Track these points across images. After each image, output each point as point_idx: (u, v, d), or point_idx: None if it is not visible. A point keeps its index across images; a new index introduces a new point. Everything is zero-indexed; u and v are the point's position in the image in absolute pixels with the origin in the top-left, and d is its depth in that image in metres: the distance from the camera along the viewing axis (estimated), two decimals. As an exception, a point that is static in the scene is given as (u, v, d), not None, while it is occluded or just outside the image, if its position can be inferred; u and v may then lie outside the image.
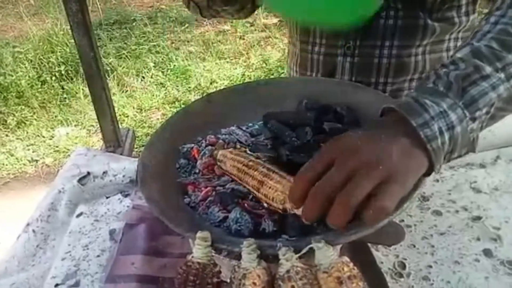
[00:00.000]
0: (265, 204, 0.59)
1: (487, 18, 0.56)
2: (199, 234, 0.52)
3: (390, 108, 0.51)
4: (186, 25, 3.98)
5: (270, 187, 0.56)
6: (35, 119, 3.06)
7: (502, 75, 0.50)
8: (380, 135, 0.49)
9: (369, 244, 0.67)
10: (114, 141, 1.26)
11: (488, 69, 0.50)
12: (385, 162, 0.46)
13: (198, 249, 0.52)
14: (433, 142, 0.48)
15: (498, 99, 0.50)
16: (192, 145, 0.74)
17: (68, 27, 3.43)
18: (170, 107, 3.07)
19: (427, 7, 0.79)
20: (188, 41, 3.81)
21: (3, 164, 2.74)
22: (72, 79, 3.33)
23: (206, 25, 3.94)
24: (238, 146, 0.74)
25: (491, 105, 0.50)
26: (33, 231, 0.78)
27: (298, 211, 0.52)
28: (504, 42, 0.52)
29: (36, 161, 2.78)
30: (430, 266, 0.65)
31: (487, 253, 0.66)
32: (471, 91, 0.49)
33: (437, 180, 0.80)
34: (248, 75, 3.28)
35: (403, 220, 0.72)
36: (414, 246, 0.68)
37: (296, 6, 0.56)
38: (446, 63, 0.53)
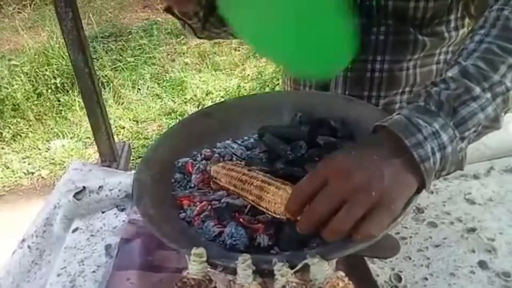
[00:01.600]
0: (268, 215, 0.59)
1: (471, 36, 0.57)
2: (194, 250, 0.52)
3: (382, 126, 0.52)
4: (182, 37, 4.00)
5: (269, 201, 0.57)
6: (31, 132, 3.06)
7: (489, 95, 0.51)
8: (373, 156, 0.50)
9: (365, 258, 0.67)
10: (109, 155, 1.26)
11: (477, 90, 0.51)
12: (376, 188, 0.47)
13: (194, 265, 0.52)
14: (426, 162, 0.49)
15: (486, 119, 0.51)
16: (187, 159, 0.74)
17: (63, 41, 3.46)
18: (166, 119, 3.08)
19: (417, 22, 0.80)
20: (183, 53, 3.83)
21: (-1, 177, 2.74)
22: (67, 91, 3.33)
23: (202, 36, 3.97)
24: (234, 159, 0.74)
25: (479, 124, 0.51)
26: (28, 247, 0.78)
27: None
28: (490, 61, 0.53)
29: (32, 173, 2.78)
30: (426, 279, 0.65)
31: (482, 265, 0.66)
32: (461, 112, 0.50)
33: (432, 192, 0.80)
34: (243, 86, 3.29)
35: (398, 233, 0.73)
36: (410, 258, 0.68)
37: (274, 53, 0.58)
38: (437, 82, 0.54)
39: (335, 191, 0.49)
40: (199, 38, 0.91)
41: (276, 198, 0.56)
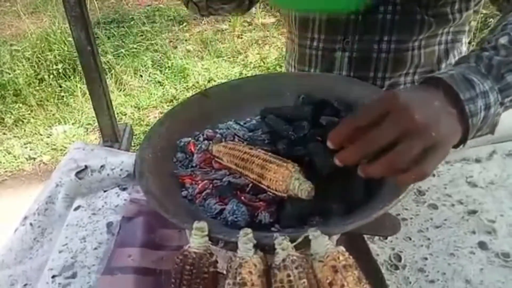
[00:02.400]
0: (269, 193, 0.59)
1: None
2: (196, 224, 0.53)
3: (437, 77, 0.53)
4: (184, 24, 3.98)
5: (270, 179, 0.57)
6: (33, 117, 3.06)
7: None
8: (434, 101, 0.50)
9: (365, 237, 0.68)
10: (112, 136, 1.26)
11: None
12: (435, 129, 0.48)
13: (195, 239, 0.52)
14: (474, 117, 0.51)
15: None
16: (189, 139, 0.74)
17: (66, 25, 3.44)
18: (168, 106, 3.07)
19: (423, 2, 0.80)
20: (186, 40, 3.81)
21: (1, 162, 2.74)
22: (69, 77, 3.32)
23: (204, 24, 3.94)
24: (236, 140, 0.74)
25: None
26: (31, 224, 0.78)
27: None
28: None
29: (34, 159, 2.78)
30: (426, 258, 0.65)
31: (482, 245, 0.66)
32: (507, 78, 0.53)
33: (433, 175, 0.80)
34: (246, 74, 3.27)
35: (399, 214, 0.73)
36: (410, 239, 0.68)
37: None
38: (487, 47, 0.56)
39: (395, 126, 0.48)
40: (201, 15, 0.91)
41: (277, 176, 0.56)
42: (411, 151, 0.47)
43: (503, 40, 0.56)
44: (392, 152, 0.47)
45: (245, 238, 0.50)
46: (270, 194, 0.62)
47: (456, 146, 0.52)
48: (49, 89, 3.25)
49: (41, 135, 2.94)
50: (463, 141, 0.52)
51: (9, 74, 3.27)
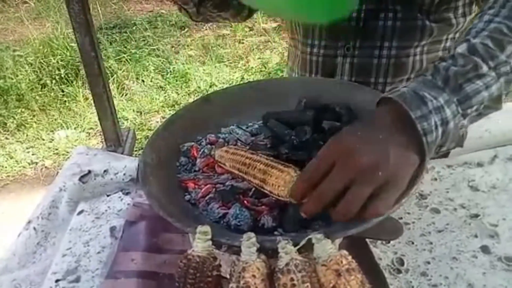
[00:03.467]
0: (272, 198, 0.60)
1: (480, 16, 0.58)
2: (199, 228, 0.53)
3: (387, 98, 0.52)
4: (186, 29, 3.99)
5: (272, 184, 0.57)
6: (35, 122, 3.07)
7: (494, 74, 0.52)
8: (378, 135, 0.50)
9: (367, 241, 0.68)
10: (115, 141, 1.26)
11: (484, 68, 0.52)
12: (383, 168, 0.48)
13: (198, 243, 0.52)
14: (429, 135, 0.49)
15: (489, 98, 0.52)
16: (192, 143, 0.75)
17: (68, 31, 3.45)
18: (169, 110, 3.08)
19: (425, 8, 0.80)
20: (187, 45, 3.82)
21: (3, 166, 2.74)
22: (72, 82, 3.33)
23: (206, 29, 3.96)
24: (238, 144, 0.75)
25: (481, 103, 0.52)
26: (34, 228, 0.79)
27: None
28: (498, 41, 0.53)
29: (36, 163, 2.78)
30: (428, 262, 0.65)
31: (485, 249, 0.66)
32: (466, 89, 0.51)
33: (435, 179, 0.81)
34: (247, 79, 3.28)
35: (401, 218, 0.73)
36: (413, 243, 0.69)
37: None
38: (445, 57, 0.54)
39: (342, 174, 0.49)
40: (194, 21, 0.92)
41: (279, 181, 0.57)
42: (360, 196, 0.48)
43: (460, 49, 0.54)
44: (343, 201, 0.49)
45: (249, 242, 0.50)
46: (273, 198, 0.62)
47: (419, 167, 0.51)
48: (52, 94, 3.26)
49: (43, 139, 2.94)
50: (423, 161, 0.51)
51: (12, 79, 3.29)
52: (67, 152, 2.80)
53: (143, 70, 3.45)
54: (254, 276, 0.49)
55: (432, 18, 0.82)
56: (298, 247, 0.49)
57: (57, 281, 0.68)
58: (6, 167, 2.75)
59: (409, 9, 0.81)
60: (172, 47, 3.80)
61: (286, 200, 0.57)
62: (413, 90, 0.51)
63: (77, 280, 0.68)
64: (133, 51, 3.64)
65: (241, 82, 3.12)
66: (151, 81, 3.37)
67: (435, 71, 0.53)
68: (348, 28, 0.85)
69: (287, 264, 0.48)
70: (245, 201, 0.63)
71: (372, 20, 0.82)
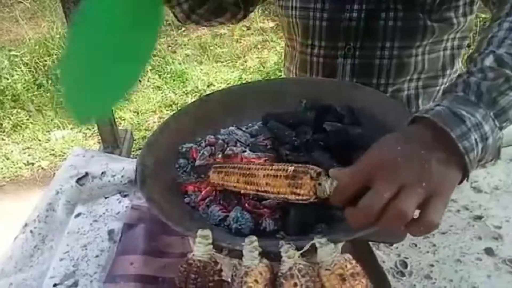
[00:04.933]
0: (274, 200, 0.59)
1: (499, 24, 0.57)
2: (200, 232, 0.52)
3: (423, 117, 0.51)
4: (183, 28, 3.98)
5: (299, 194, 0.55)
6: (31, 123, 3.05)
7: None
8: (419, 150, 0.48)
9: (370, 244, 0.67)
10: (112, 142, 1.25)
11: None
12: (426, 180, 0.47)
13: (199, 247, 0.51)
14: (471, 153, 0.48)
15: None
16: (191, 145, 0.74)
17: (64, 31, 3.43)
18: (167, 110, 3.06)
19: (426, 8, 0.80)
20: (185, 45, 3.80)
21: (-1, 167, 2.73)
22: (68, 82, 3.31)
23: (203, 28, 3.94)
24: (238, 145, 0.74)
25: None
26: (31, 231, 0.77)
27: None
28: None
29: (32, 164, 2.76)
30: (432, 265, 0.64)
31: (489, 252, 0.66)
32: (501, 102, 0.51)
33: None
34: (245, 78, 3.27)
35: (403, 220, 0.72)
36: (416, 246, 0.68)
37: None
38: (473, 71, 0.53)
39: (387, 186, 0.47)
40: (183, 24, 0.91)
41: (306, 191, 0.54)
42: (408, 206, 0.46)
43: (488, 62, 0.53)
44: (391, 211, 0.46)
45: (251, 246, 0.49)
46: (275, 200, 0.61)
47: (460, 182, 0.50)
48: (48, 95, 3.24)
49: (39, 140, 2.92)
50: (465, 176, 0.50)
51: (8, 79, 3.26)
52: (64, 153, 2.79)
53: (140, 70, 3.43)
54: (256, 281, 0.48)
55: (433, 18, 0.81)
56: (302, 251, 0.48)
57: (54, 285, 0.67)
58: (2, 168, 2.73)
59: (410, 8, 0.80)
60: (169, 46, 3.78)
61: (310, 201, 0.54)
62: (448, 108, 0.50)
63: (75, 284, 0.67)
64: (129, 50, 3.62)
65: (240, 82, 3.11)
66: (148, 81, 3.36)
67: (465, 86, 0.52)
68: (348, 28, 0.84)
69: (290, 269, 0.47)
70: (246, 204, 0.62)
71: (373, 20, 0.82)
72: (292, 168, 0.55)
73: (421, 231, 0.47)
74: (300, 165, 0.55)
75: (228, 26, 3.81)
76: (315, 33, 0.89)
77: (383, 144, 0.51)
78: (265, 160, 0.68)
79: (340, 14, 0.84)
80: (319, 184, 0.52)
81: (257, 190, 0.57)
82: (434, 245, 0.68)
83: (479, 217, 0.72)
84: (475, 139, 0.48)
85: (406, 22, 0.81)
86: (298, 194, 0.53)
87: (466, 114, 0.49)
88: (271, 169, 0.56)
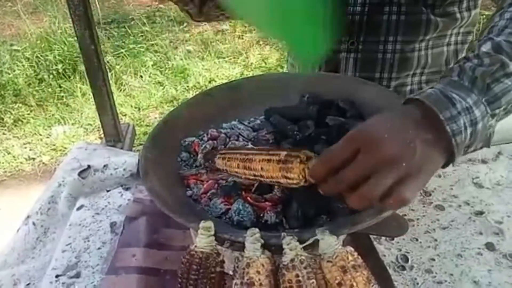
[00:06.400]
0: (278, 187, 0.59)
1: (501, 14, 0.57)
2: (202, 224, 0.52)
3: (415, 98, 0.51)
4: (185, 24, 3.97)
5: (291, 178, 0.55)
6: (32, 117, 3.05)
7: None
8: (407, 129, 0.49)
9: (372, 237, 0.67)
10: (114, 136, 1.25)
11: (511, 67, 0.51)
12: (408, 160, 0.47)
13: (201, 238, 0.52)
14: (458, 136, 0.48)
15: None
16: (193, 138, 0.74)
17: (66, 25, 3.43)
18: (168, 106, 3.06)
19: (429, 2, 0.80)
20: (186, 41, 3.80)
21: (0, 162, 2.73)
22: (69, 77, 3.31)
23: (205, 24, 3.93)
24: (240, 139, 0.74)
25: (510, 102, 0.51)
26: (33, 223, 0.78)
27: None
28: None
29: (33, 159, 2.77)
30: (433, 259, 0.64)
31: (490, 246, 0.66)
32: (494, 89, 0.50)
33: (439, 176, 0.80)
34: (247, 75, 3.27)
35: (405, 215, 0.72)
36: (417, 240, 0.68)
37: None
38: (469, 56, 0.53)
39: (367, 160, 0.48)
40: (195, 21, 0.91)
41: (276, 175, 0.55)
42: (383, 182, 0.47)
43: (485, 48, 0.53)
44: (366, 184, 0.47)
45: (253, 238, 0.50)
46: (277, 193, 0.61)
47: (444, 166, 0.51)
48: (49, 89, 3.24)
49: (40, 135, 2.93)
50: (451, 160, 0.50)
51: (9, 74, 3.27)
52: (65, 148, 2.79)
53: (142, 66, 3.43)
54: (258, 272, 0.48)
55: (436, 12, 0.81)
56: (305, 244, 0.49)
57: (57, 276, 0.67)
58: (3, 163, 2.73)
59: (413, 3, 0.80)
60: (171, 42, 3.78)
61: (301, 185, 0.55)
62: (440, 91, 0.50)
63: (77, 275, 0.67)
64: (131, 46, 3.62)
65: (242, 77, 3.11)
66: (149, 76, 3.36)
67: (460, 71, 0.52)
68: (351, 23, 0.84)
69: (292, 260, 0.48)
70: (248, 197, 0.62)
71: (377, 14, 0.81)
72: (285, 153, 0.55)
73: (391, 205, 0.48)
74: (294, 150, 0.56)
75: (231, 22, 3.81)
76: None
77: (375, 120, 0.52)
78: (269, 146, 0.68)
79: (344, 8, 0.84)
80: (308, 168, 0.52)
81: (254, 175, 0.57)
82: (435, 239, 0.68)
83: (480, 212, 0.72)
84: (464, 123, 0.49)
85: (409, 16, 0.81)
86: (289, 178, 0.53)
87: (458, 98, 0.49)
88: (267, 154, 0.56)
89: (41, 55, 3.39)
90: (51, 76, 3.30)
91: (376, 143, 0.48)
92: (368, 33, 0.84)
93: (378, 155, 0.47)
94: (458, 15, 0.83)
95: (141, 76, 3.37)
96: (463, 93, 0.50)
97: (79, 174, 0.83)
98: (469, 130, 0.49)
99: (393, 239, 0.67)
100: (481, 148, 0.53)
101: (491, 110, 0.50)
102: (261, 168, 0.56)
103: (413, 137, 0.48)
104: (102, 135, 1.34)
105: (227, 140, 0.74)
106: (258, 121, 0.78)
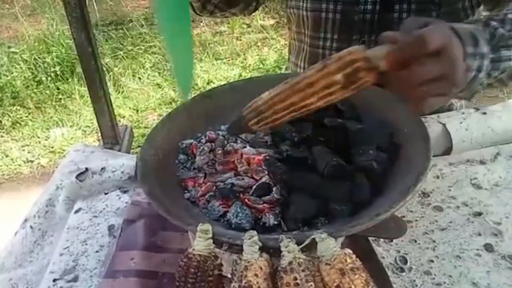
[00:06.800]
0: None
1: None
2: (200, 226, 0.52)
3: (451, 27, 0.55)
4: (183, 26, 3.97)
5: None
6: (30, 120, 3.04)
7: None
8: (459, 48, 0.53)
9: (370, 239, 0.67)
10: (112, 138, 1.25)
11: None
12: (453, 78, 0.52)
13: (199, 241, 0.51)
14: (469, 73, 0.55)
15: (510, 70, 0.58)
16: (191, 141, 0.74)
17: (64, 27, 3.43)
18: (166, 108, 3.06)
19: (436, 0, 0.80)
20: (184, 42, 3.80)
21: (-2, 164, 2.73)
22: (67, 79, 3.31)
23: (203, 26, 3.94)
24: (238, 142, 0.74)
25: (503, 71, 0.58)
26: (31, 227, 0.77)
27: None
28: None
29: (31, 161, 2.76)
30: (432, 261, 0.64)
31: (488, 248, 0.66)
32: (502, 52, 0.57)
33: (438, 177, 0.80)
34: (245, 76, 3.28)
35: (404, 216, 0.72)
36: (415, 241, 0.68)
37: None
38: (496, 18, 0.60)
39: (440, 66, 0.51)
40: (198, 15, 0.91)
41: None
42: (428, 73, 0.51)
43: (511, 15, 0.59)
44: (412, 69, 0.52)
45: (251, 241, 0.49)
46: (275, 196, 0.61)
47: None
48: (47, 92, 3.24)
49: (38, 137, 2.92)
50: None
51: (7, 76, 3.26)
52: (63, 150, 2.79)
53: (140, 67, 3.43)
54: (256, 275, 0.48)
55: (444, 10, 0.82)
56: (302, 246, 0.48)
57: (54, 280, 0.67)
58: (1, 165, 2.73)
59: (423, 0, 0.81)
60: (169, 44, 3.78)
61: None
62: (469, 30, 0.55)
63: (75, 279, 0.67)
64: (129, 48, 3.62)
65: (240, 79, 3.10)
66: (147, 78, 3.36)
67: (485, 25, 0.58)
68: (362, 21, 0.84)
69: (290, 263, 0.47)
70: (246, 199, 0.62)
71: (387, 13, 0.82)
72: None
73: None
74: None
75: (228, 23, 3.81)
76: (328, 26, 0.88)
77: (440, 26, 0.55)
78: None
79: (354, 6, 0.84)
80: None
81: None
82: (434, 241, 0.68)
83: (479, 214, 0.72)
84: (476, 65, 0.55)
85: (418, 14, 0.82)
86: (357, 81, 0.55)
87: (481, 41, 0.55)
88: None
89: (39, 57, 3.39)
90: (49, 78, 3.30)
91: (450, 48, 0.51)
92: (379, 31, 0.84)
93: (434, 68, 0.52)
94: (462, 13, 0.84)
95: (139, 78, 3.37)
96: (484, 41, 0.56)
97: (77, 177, 0.83)
98: (473, 73, 0.55)
99: (391, 241, 0.67)
100: (465, 98, 0.62)
101: (491, 68, 0.56)
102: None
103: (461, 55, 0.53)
104: (100, 137, 1.34)
105: (225, 142, 0.74)
106: (256, 123, 0.77)
